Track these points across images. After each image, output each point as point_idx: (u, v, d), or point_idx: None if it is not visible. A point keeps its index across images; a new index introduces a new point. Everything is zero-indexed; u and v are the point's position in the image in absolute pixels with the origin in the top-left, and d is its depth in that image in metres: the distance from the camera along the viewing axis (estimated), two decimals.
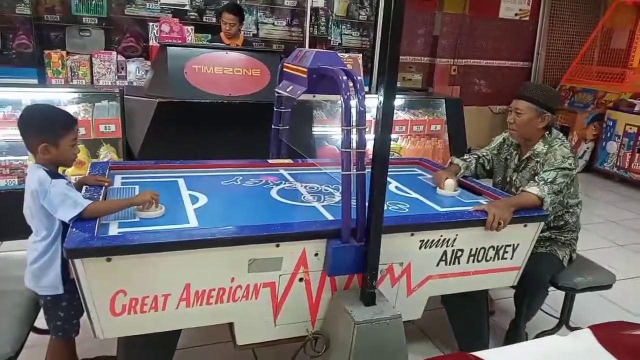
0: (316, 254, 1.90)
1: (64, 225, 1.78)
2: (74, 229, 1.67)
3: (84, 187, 2.06)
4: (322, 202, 2.26)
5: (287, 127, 2.75)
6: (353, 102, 1.81)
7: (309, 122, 4.07)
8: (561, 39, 7.37)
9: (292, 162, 2.80)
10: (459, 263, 2.18)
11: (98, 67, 4.58)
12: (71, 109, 3.70)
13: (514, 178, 2.61)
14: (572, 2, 7.29)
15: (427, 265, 2.13)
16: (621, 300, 3.18)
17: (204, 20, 5.11)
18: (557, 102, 2.50)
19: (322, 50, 2.08)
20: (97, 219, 1.77)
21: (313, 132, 4.12)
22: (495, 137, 2.80)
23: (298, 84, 2.15)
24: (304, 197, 2.32)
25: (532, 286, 2.44)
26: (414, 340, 2.58)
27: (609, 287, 2.63)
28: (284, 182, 2.50)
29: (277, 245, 1.82)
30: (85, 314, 1.69)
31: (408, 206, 2.29)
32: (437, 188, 2.55)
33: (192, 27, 4.78)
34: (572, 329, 2.72)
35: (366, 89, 4.02)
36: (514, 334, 2.59)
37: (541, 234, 2.41)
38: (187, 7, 5.00)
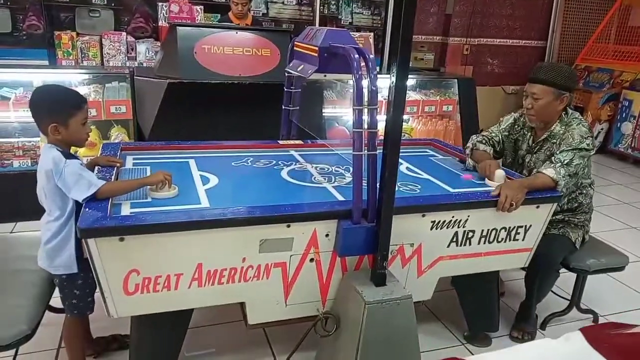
0: (327, 235, 1.90)
1: (77, 205, 1.80)
2: (87, 209, 1.68)
3: (96, 168, 2.07)
4: (333, 182, 2.25)
5: (298, 107, 2.73)
6: (365, 82, 1.78)
7: (320, 103, 4.04)
8: (577, 16, 7.19)
9: (302, 143, 2.79)
10: (470, 244, 2.18)
11: (108, 48, 4.57)
12: (82, 90, 3.69)
13: (527, 160, 2.56)
14: None
15: (438, 246, 2.13)
16: (632, 282, 3.16)
17: None
18: (574, 81, 2.41)
19: (333, 28, 2.04)
20: (110, 199, 1.78)
21: (323, 113, 4.10)
22: (504, 116, 2.70)
23: (309, 63, 2.12)
24: (315, 177, 2.31)
25: (543, 267, 2.42)
26: (424, 320, 2.59)
27: (621, 269, 2.62)
28: (294, 162, 2.50)
29: (288, 226, 1.82)
30: (99, 292, 1.72)
31: (419, 187, 2.28)
32: (486, 180, 2.35)
33: (201, 6, 4.74)
34: (582, 311, 2.72)
35: (377, 69, 3.97)
36: (525, 315, 2.59)
37: (554, 217, 2.39)
38: None
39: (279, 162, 2.48)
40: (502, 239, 2.23)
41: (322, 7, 5.47)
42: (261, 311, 1.98)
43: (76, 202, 1.80)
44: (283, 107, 2.73)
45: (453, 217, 2.07)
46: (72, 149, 1.99)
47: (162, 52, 3.71)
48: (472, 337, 2.53)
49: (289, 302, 1.98)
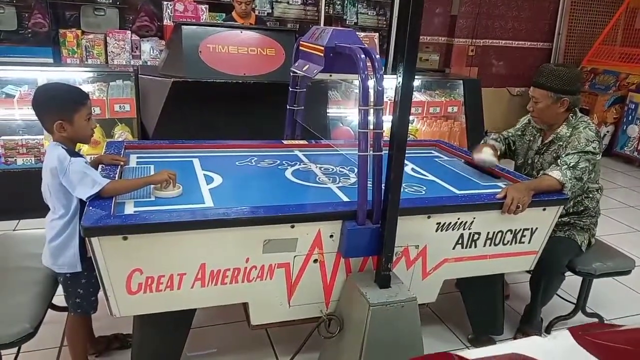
0: (331, 236, 1.88)
1: (82, 204, 1.79)
2: (90, 208, 1.67)
3: (100, 166, 2.07)
4: (337, 183, 2.24)
5: (302, 107, 2.72)
6: (371, 82, 1.77)
7: (324, 103, 4.03)
8: (583, 18, 7.16)
9: (306, 143, 2.77)
10: (475, 246, 2.16)
11: (113, 46, 4.57)
12: (86, 88, 3.70)
13: (535, 160, 2.55)
14: None
15: (443, 248, 2.11)
16: (638, 286, 3.13)
17: None
18: (575, 83, 2.37)
19: (339, 28, 2.02)
20: (113, 197, 1.77)
21: (328, 113, 4.08)
22: (522, 117, 2.73)
23: (314, 63, 2.11)
24: (319, 178, 2.30)
25: (548, 270, 2.40)
26: (428, 323, 2.57)
27: (627, 272, 2.59)
28: (298, 162, 2.48)
29: (292, 226, 1.81)
30: (102, 291, 1.71)
31: (425, 188, 2.26)
32: (474, 153, 2.54)
33: (206, 5, 4.73)
34: (588, 315, 2.69)
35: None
36: (529, 319, 2.56)
37: (560, 219, 2.37)
38: None
39: (283, 162, 2.47)
40: (508, 241, 2.21)
41: (327, 7, 5.45)
42: (264, 312, 1.96)
43: (80, 200, 1.79)
44: (288, 107, 2.71)
45: (459, 219, 2.06)
46: (77, 146, 1.99)
47: (166, 51, 3.70)
48: (476, 340, 2.51)
49: (293, 303, 1.97)
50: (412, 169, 2.54)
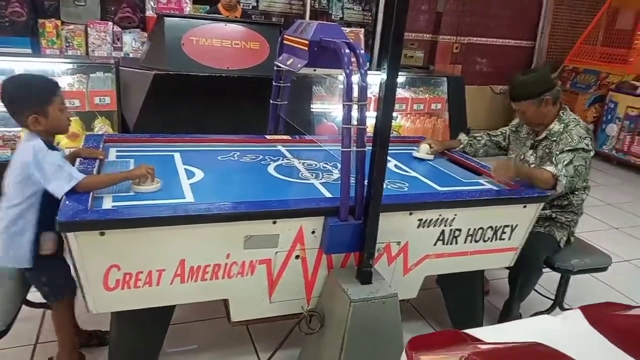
0: (313, 232, 1.88)
1: (44, 197, 1.74)
2: (67, 202, 1.64)
3: (78, 160, 2.02)
4: (320, 179, 2.23)
5: (286, 102, 2.70)
6: (355, 77, 1.76)
7: (308, 98, 4.00)
8: (566, 18, 7.25)
9: (290, 138, 2.75)
10: (456, 243, 2.17)
11: (93, 37, 4.48)
12: (65, 80, 3.63)
13: (527, 155, 2.59)
14: None
15: (424, 244, 2.12)
16: (614, 282, 3.19)
17: None
18: (548, 81, 2.45)
19: (324, 22, 2.01)
20: (91, 192, 1.74)
21: (312, 109, 4.06)
22: (506, 116, 2.84)
23: (299, 57, 2.09)
24: (302, 173, 2.29)
25: (527, 265, 2.43)
26: (409, 318, 2.58)
27: (604, 269, 2.63)
28: (281, 158, 2.47)
29: (274, 222, 1.80)
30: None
31: (407, 185, 2.27)
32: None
33: None
34: (565, 311, 2.73)
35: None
36: (508, 314, 2.59)
37: (542, 211, 2.41)
38: None
39: (266, 157, 2.45)
40: (489, 238, 2.23)
41: (312, 2, 5.43)
42: (245, 308, 1.95)
43: (44, 193, 1.73)
44: (271, 102, 2.69)
45: (440, 215, 2.06)
46: (57, 138, 1.93)
47: (148, 43, 3.64)
48: None
49: (274, 300, 1.96)
50: (395, 165, 2.54)
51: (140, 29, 4.67)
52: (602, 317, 1.40)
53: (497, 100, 7.07)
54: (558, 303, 2.70)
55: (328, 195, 2.04)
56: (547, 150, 2.47)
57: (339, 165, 1.83)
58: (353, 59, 1.79)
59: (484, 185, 2.39)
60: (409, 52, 6.33)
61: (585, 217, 2.67)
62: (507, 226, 2.24)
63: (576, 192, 2.53)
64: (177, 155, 2.34)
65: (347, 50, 1.79)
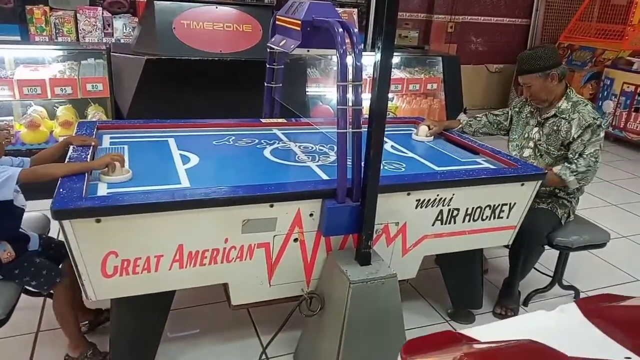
0: (311, 214, 1.87)
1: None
2: (61, 190, 1.62)
3: (71, 147, 2.00)
4: (317, 161, 2.21)
5: (281, 85, 2.67)
6: (349, 57, 1.73)
7: (303, 81, 3.97)
8: None
9: (285, 121, 2.73)
10: (454, 222, 2.17)
11: (83, 23, 4.41)
12: (56, 68, 3.59)
13: (532, 133, 2.59)
14: None
15: (422, 224, 2.11)
16: (613, 258, 3.21)
17: None
18: (555, 56, 2.48)
19: (316, 1, 1.97)
20: (85, 178, 1.71)
21: (307, 91, 4.03)
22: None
23: (291, 38, 2.06)
24: (298, 156, 2.27)
25: (528, 241, 2.44)
26: (408, 298, 2.59)
27: (602, 245, 2.64)
28: (277, 141, 2.45)
29: (272, 206, 1.78)
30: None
31: (404, 165, 2.25)
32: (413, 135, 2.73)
33: None
34: (564, 287, 2.75)
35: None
36: (508, 292, 2.61)
37: (545, 188, 2.41)
38: None
39: (262, 141, 2.43)
40: (487, 216, 2.23)
41: None
42: (245, 292, 1.95)
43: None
44: (265, 85, 2.66)
45: (438, 195, 2.06)
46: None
47: (139, 28, 3.59)
48: (456, 314, 2.54)
49: (273, 283, 1.96)
50: (392, 146, 2.52)
51: (130, 14, 4.60)
52: (597, 309, 1.40)
53: (493, 79, 7.03)
54: (557, 280, 2.72)
55: (325, 177, 2.03)
56: (554, 128, 2.48)
57: (335, 148, 1.81)
58: (347, 39, 1.76)
59: (481, 164, 2.38)
60: (403, 32, 6.26)
61: (583, 194, 2.68)
62: (505, 204, 2.24)
63: None
64: (171, 141, 2.32)
65: (341, 30, 1.76)
